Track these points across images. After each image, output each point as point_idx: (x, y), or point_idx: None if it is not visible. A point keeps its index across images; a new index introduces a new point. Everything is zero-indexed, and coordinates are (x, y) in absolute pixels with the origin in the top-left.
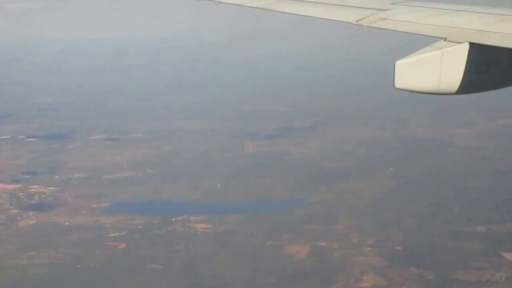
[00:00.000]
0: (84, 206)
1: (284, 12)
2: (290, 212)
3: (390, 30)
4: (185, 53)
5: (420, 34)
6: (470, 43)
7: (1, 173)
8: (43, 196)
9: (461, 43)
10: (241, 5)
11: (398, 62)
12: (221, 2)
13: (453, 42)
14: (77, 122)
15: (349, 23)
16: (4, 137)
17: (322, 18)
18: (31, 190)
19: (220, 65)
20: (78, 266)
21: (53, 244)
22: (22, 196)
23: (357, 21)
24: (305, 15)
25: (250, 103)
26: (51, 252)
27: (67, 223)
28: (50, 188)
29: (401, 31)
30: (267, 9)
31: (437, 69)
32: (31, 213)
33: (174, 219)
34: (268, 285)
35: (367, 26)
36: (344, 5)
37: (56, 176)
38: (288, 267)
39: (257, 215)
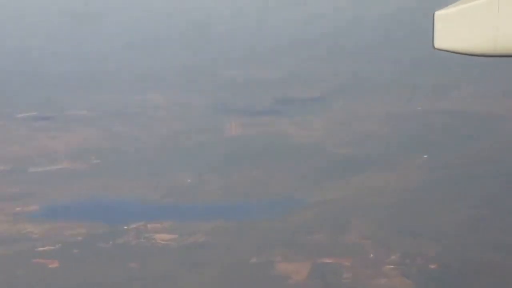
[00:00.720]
0: (4, 209)
1: None
2: (285, 217)
3: None
4: None
5: None
6: None
7: None
8: None
9: None
10: None
11: (438, 13)
12: None
13: None
14: None
15: None
16: None
17: None
18: None
19: (197, 14)
20: None
21: None
22: None
23: None
24: None
25: (235, 67)
26: None
27: None
28: None
29: None
30: None
31: (493, 21)
32: None
33: (126, 228)
34: None
35: None
36: None
37: None
38: None
39: (240, 221)
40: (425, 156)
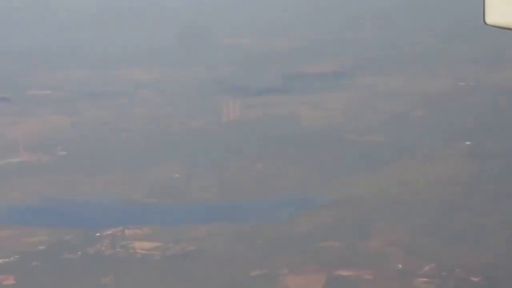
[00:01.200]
0: None
1: None
2: (295, 219)
3: None
4: None
5: None
6: None
7: None
8: None
9: None
10: None
11: None
12: None
13: None
14: None
15: None
16: None
17: None
18: None
19: None
20: None
21: None
22: None
23: None
24: None
25: (236, 36)
26: None
27: None
28: None
29: None
30: None
31: None
32: None
33: (99, 234)
34: None
35: None
36: None
37: None
38: None
39: (238, 225)
40: (468, 143)
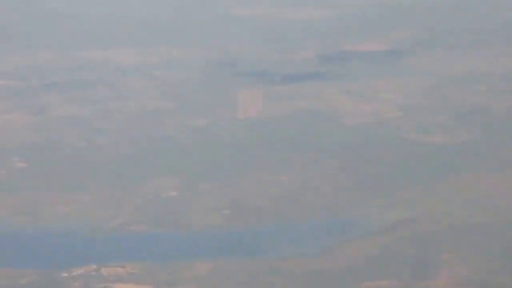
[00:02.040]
0: None
1: None
2: (330, 251)
3: None
4: None
5: None
6: None
7: None
8: None
9: None
10: None
11: None
12: None
13: None
14: None
15: None
16: None
17: None
18: None
19: None
20: None
21: None
22: None
23: None
24: None
25: (251, 3)
26: None
27: None
28: None
29: None
30: None
31: None
32: None
33: (66, 275)
34: None
35: None
36: None
37: None
38: None
39: (254, 261)
40: None
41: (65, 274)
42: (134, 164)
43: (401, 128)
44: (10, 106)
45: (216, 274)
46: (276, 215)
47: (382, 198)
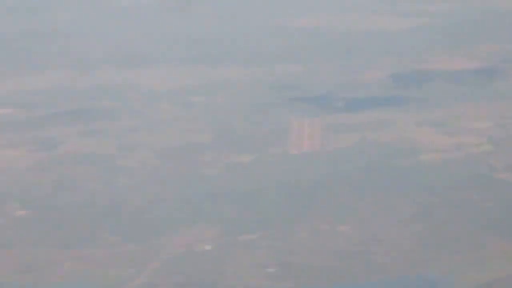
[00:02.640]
0: None
1: None
2: None
3: None
4: None
5: None
6: None
7: None
8: None
9: None
10: None
11: None
12: None
13: None
14: None
15: None
16: None
17: None
18: None
19: None
20: None
21: None
22: None
23: None
24: None
25: (309, 14)
26: None
27: None
28: None
29: None
30: None
31: None
32: None
33: None
34: None
35: None
36: None
37: None
38: None
39: None
40: None
41: None
42: (161, 211)
43: (493, 166)
44: (11, 141)
45: None
46: (333, 275)
47: (468, 253)
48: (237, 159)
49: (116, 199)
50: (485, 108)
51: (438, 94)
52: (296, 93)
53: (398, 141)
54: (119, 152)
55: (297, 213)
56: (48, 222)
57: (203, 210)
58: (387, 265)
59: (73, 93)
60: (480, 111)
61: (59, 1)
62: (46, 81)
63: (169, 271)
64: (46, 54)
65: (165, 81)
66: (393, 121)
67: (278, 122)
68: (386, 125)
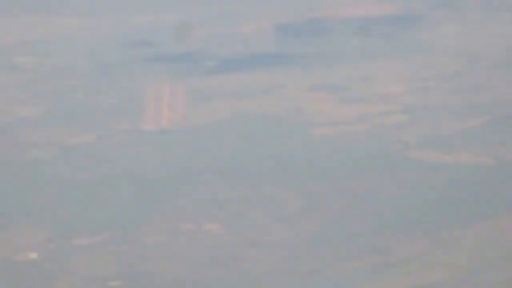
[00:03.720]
0: None
1: None
2: None
3: None
4: None
5: None
6: None
7: None
8: None
9: None
10: None
11: None
12: None
13: None
14: None
15: None
16: None
17: None
18: None
19: None
20: None
21: None
22: None
23: None
24: None
25: None
26: None
27: None
28: None
29: None
30: None
31: None
32: None
33: None
34: None
35: None
36: None
37: None
38: None
39: None
40: None
41: None
42: None
43: (405, 142)
44: None
45: None
46: None
47: (366, 260)
48: (75, 139)
49: None
50: (399, 67)
51: (337, 50)
52: (153, 51)
53: (284, 112)
54: None
55: (150, 209)
56: None
57: (29, 206)
58: (262, 276)
59: None
60: (393, 71)
61: None
62: None
63: None
64: None
65: None
66: (278, 86)
67: (128, 89)
68: (269, 91)
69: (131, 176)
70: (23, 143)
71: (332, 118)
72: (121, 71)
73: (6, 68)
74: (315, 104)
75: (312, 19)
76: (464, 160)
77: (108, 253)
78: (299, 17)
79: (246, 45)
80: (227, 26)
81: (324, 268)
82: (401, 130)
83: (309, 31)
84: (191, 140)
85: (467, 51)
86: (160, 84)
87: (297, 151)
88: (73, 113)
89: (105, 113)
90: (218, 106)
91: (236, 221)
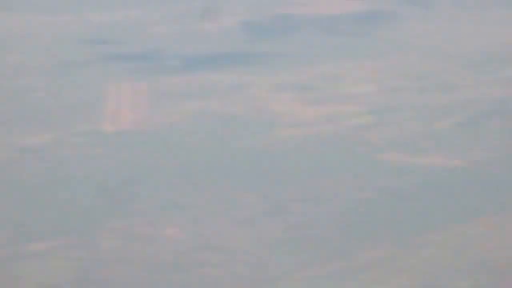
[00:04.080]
0: None
1: None
2: None
3: None
4: None
5: None
6: None
7: None
8: None
9: None
10: None
11: None
12: None
13: None
14: None
15: None
16: None
17: None
18: None
19: None
20: None
21: None
22: None
23: None
24: None
25: None
26: None
27: None
28: None
29: None
30: None
31: None
32: None
33: None
34: None
35: None
36: None
37: None
38: None
39: None
40: None
41: None
42: None
43: (373, 143)
44: None
45: None
46: None
47: (328, 266)
48: (30, 140)
49: None
50: (367, 67)
51: (304, 49)
52: (114, 49)
53: (249, 112)
54: None
55: (107, 213)
56: None
57: None
58: (222, 283)
59: None
60: (362, 70)
61: None
62: None
63: None
64: None
65: None
66: (243, 85)
67: (88, 88)
68: (233, 91)
69: (88, 179)
70: None
71: (298, 118)
72: (80, 70)
73: None
74: (282, 105)
75: (279, 16)
76: (434, 162)
77: (64, 259)
78: (266, 14)
79: (209, 44)
80: (190, 24)
81: (285, 274)
82: (370, 131)
83: (276, 29)
84: (151, 141)
85: (438, 50)
86: (120, 83)
87: (261, 153)
88: (29, 112)
89: (63, 113)
90: (181, 106)
91: (196, 225)
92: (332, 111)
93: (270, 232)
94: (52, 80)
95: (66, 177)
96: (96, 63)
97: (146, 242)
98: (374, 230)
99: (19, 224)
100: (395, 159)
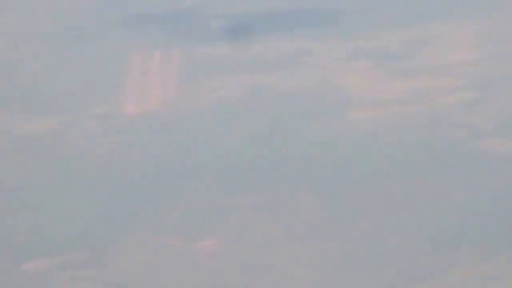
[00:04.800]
0: None
1: None
2: None
3: None
4: None
5: None
6: None
7: None
8: None
9: None
10: None
11: None
12: None
13: None
14: None
15: None
16: None
17: None
18: None
19: None
20: None
21: None
22: None
23: None
24: None
25: None
26: None
27: None
28: None
29: None
30: None
31: None
32: None
33: None
34: None
35: None
36: None
37: None
38: None
39: None
40: None
41: None
42: None
43: (476, 127)
44: None
45: None
46: None
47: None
48: (33, 126)
49: None
50: (467, 28)
51: (386, 4)
52: (138, 9)
53: (313, 89)
54: None
55: (128, 220)
56: None
57: None
58: None
59: None
60: (459, 32)
61: None
62: None
63: None
64: None
65: None
66: (306, 54)
67: (106, 59)
68: (294, 61)
69: (104, 176)
70: None
71: (379, 96)
72: (95, 37)
73: None
74: (358, 78)
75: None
76: None
77: (70, 279)
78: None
79: (261, 0)
80: None
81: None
82: (471, 112)
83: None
84: (186, 128)
85: None
86: (146, 54)
87: (332, 143)
88: (32, 92)
89: (72, 92)
90: (225, 82)
91: (240, 235)
92: (422, 85)
93: (326, 256)
94: (61, 50)
95: (76, 173)
96: (116, 28)
97: (177, 256)
98: (479, 237)
99: (17, 236)
100: (504, 146)
